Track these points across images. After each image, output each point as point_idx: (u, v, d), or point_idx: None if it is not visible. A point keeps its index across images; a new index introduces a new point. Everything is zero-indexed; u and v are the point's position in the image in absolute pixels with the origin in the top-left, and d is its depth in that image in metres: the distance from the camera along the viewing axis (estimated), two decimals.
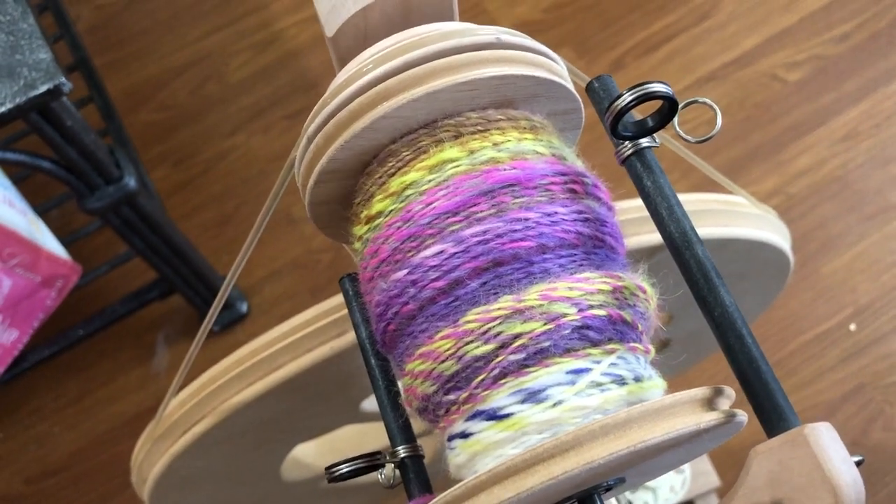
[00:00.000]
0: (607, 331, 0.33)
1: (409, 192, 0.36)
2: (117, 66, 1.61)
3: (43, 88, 0.79)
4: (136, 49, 1.64)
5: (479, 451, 0.33)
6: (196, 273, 1.25)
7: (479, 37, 0.35)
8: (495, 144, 0.36)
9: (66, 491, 1.30)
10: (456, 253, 0.34)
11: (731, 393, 0.32)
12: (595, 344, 0.33)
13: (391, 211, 0.36)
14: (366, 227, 0.38)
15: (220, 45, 1.62)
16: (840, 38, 1.50)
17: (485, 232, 0.34)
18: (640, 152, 0.33)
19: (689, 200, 0.62)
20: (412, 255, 0.35)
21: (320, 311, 0.57)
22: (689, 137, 0.33)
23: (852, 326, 1.29)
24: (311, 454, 0.85)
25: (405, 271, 0.36)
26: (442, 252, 0.34)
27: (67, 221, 1.42)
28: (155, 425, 0.65)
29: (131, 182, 1.00)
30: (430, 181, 0.35)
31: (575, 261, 0.34)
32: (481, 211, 0.34)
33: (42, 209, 1.26)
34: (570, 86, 0.38)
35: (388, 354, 0.40)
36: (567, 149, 0.38)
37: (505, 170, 0.35)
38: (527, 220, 0.34)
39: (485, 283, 0.34)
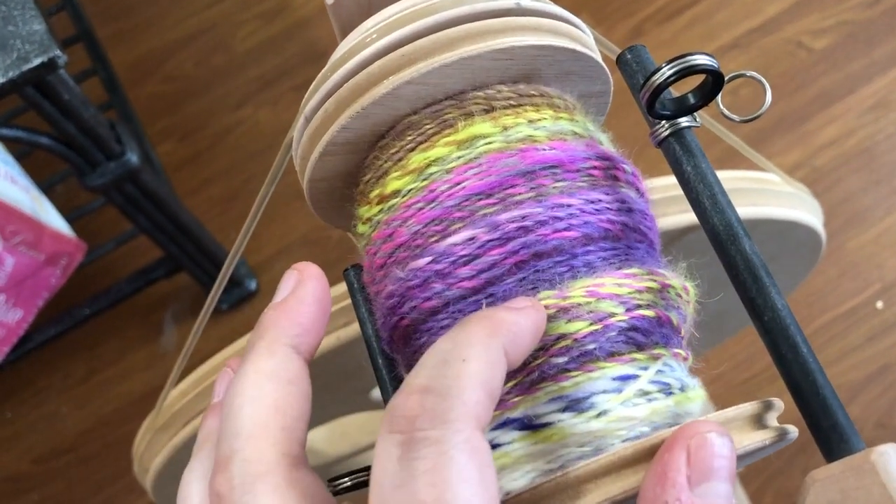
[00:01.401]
0: (654, 334, 0.30)
1: (433, 169, 0.32)
2: (121, 37, 1.57)
3: (37, 61, 0.76)
4: (140, 20, 1.59)
5: (508, 464, 0.29)
6: (203, 250, 1.22)
7: (499, 2, 0.31)
8: (531, 122, 0.32)
9: (75, 470, 1.29)
10: (490, 241, 0.30)
11: (780, 405, 0.28)
12: (641, 348, 0.29)
13: (411, 190, 0.32)
14: (377, 209, 0.34)
15: (226, 14, 1.58)
16: (869, 2, 1.44)
17: (523, 217, 0.30)
18: (679, 133, 0.29)
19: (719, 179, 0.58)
20: (436, 241, 0.31)
21: None
22: (734, 116, 0.30)
23: (879, 304, 1.25)
24: (322, 440, 0.83)
25: (428, 259, 0.31)
26: (473, 239, 0.30)
27: (72, 197, 1.39)
28: (155, 416, 0.62)
29: (133, 158, 0.96)
30: (458, 158, 0.31)
31: (619, 255, 0.30)
32: (519, 194, 0.30)
33: (46, 185, 1.23)
34: (603, 64, 0.34)
35: (396, 353, 0.36)
36: (601, 133, 0.34)
37: (544, 150, 0.31)
38: (569, 206, 0.30)
39: (524, 278, 0.30)
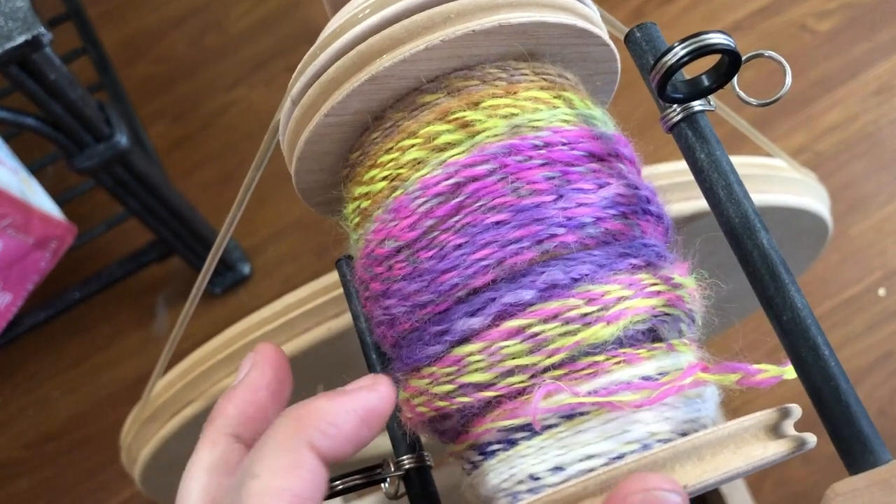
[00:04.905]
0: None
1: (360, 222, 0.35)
2: (113, 16, 1.54)
3: (20, 39, 0.73)
4: None
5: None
6: (194, 234, 1.19)
7: None
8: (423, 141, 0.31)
9: (67, 456, 1.27)
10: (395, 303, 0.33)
11: (796, 412, 0.26)
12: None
13: (359, 238, 0.34)
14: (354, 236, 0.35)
15: None
16: None
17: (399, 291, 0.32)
18: (691, 118, 0.27)
19: None
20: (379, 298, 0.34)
21: (316, 288, 0.52)
22: (751, 100, 0.28)
23: (881, 291, 1.23)
24: None
25: (388, 300, 0.34)
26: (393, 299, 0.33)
27: (62, 179, 1.37)
28: (142, 407, 0.61)
29: (123, 140, 0.94)
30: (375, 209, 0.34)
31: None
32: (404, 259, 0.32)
33: (35, 167, 1.20)
34: (610, 41, 0.32)
35: (387, 349, 0.35)
36: (590, 108, 0.31)
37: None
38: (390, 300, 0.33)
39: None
